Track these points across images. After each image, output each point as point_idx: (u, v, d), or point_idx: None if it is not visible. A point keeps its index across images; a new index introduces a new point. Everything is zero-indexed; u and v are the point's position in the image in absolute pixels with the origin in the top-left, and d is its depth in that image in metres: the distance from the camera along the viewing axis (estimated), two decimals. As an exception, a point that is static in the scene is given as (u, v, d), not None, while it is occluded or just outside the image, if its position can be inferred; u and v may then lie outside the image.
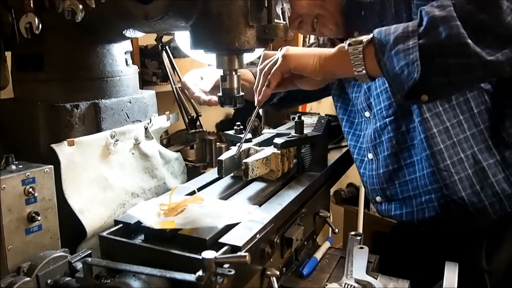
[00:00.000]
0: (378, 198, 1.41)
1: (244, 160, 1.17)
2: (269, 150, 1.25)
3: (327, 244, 1.27)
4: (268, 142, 1.41)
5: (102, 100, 1.19)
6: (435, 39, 0.96)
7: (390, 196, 1.36)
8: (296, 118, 1.29)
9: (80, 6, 1.06)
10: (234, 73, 1.12)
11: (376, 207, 1.44)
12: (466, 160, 1.20)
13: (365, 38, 1.05)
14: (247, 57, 1.22)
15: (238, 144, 1.25)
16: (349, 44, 1.06)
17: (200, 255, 0.76)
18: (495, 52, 0.94)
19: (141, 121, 1.30)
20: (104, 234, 0.94)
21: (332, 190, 3.09)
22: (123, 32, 1.19)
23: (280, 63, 1.14)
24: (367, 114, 1.37)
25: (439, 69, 0.97)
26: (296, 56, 1.14)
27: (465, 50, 0.94)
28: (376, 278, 1.10)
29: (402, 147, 1.29)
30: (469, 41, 0.93)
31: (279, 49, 1.17)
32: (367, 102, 1.36)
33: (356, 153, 1.43)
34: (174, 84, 1.98)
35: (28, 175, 0.98)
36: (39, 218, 0.99)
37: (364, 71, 1.05)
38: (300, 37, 3.29)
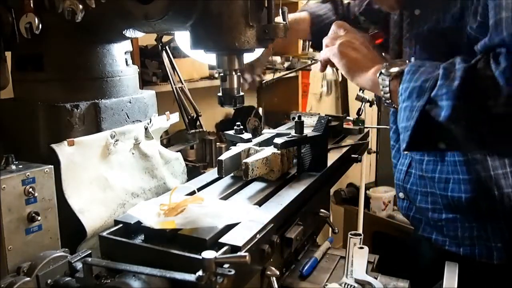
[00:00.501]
0: (401, 194, 1.44)
1: (244, 160, 1.17)
2: (269, 150, 1.25)
3: (327, 244, 1.27)
4: (268, 142, 1.41)
5: (102, 100, 1.19)
6: (436, 114, 0.94)
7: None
8: (296, 118, 1.29)
9: (80, 6, 1.06)
10: (234, 73, 1.11)
11: (398, 202, 1.50)
12: None
13: (395, 69, 1.05)
14: (247, 57, 1.22)
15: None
16: (380, 73, 1.07)
17: (200, 255, 0.76)
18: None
19: (141, 121, 1.30)
20: (104, 234, 0.94)
21: (332, 190, 3.10)
22: (123, 32, 1.19)
23: (331, 54, 1.20)
24: None
25: (431, 142, 1.00)
26: (347, 57, 1.17)
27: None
28: (376, 278, 1.10)
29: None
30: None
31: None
32: None
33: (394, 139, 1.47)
34: (174, 84, 1.99)
35: (28, 175, 0.98)
36: (39, 218, 0.99)
37: (391, 103, 1.08)
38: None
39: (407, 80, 1.01)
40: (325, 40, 1.26)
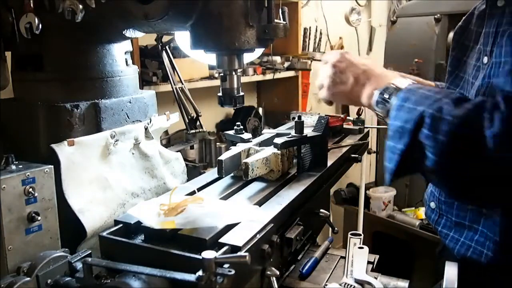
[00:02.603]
0: (432, 204, 1.28)
1: (244, 160, 1.17)
2: (269, 150, 1.25)
3: (327, 244, 1.27)
4: (268, 142, 1.41)
5: (102, 100, 1.19)
6: (420, 160, 0.91)
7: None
8: (296, 118, 1.29)
9: (80, 6, 1.06)
10: (234, 73, 1.11)
11: (426, 211, 1.33)
12: None
13: (392, 101, 1.01)
14: (247, 57, 1.22)
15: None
16: (377, 102, 1.05)
17: (200, 255, 0.76)
18: None
19: (141, 121, 1.30)
20: (104, 234, 0.94)
21: (332, 190, 3.10)
22: (123, 32, 1.19)
23: (328, 96, 1.20)
24: None
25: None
26: (340, 95, 1.18)
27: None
28: (376, 278, 1.10)
29: None
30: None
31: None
32: None
33: None
34: (174, 84, 1.99)
35: (28, 175, 0.98)
36: (39, 218, 0.99)
37: None
38: (300, 39, 3.29)
39: (392, 116, 0.98)
40: (317, 83, 1.25)
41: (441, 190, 1.10)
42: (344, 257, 1.18)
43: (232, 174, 1.28)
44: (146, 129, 1.30)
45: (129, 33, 1.20)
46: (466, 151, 0.85)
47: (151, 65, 2.25)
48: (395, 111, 0.97)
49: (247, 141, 1.38)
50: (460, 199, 1.07)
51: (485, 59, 1.10)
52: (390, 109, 0.99)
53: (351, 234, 1.21)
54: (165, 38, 1.92)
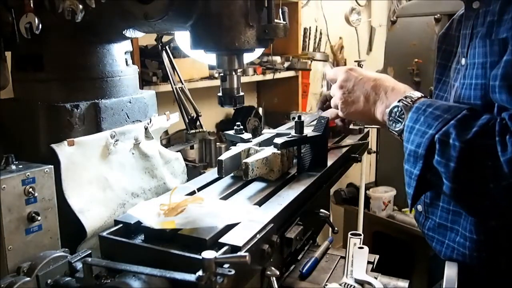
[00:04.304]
0: (419, 207, 1.28)
1: (244, 160, 1.17)
2: (269, 150, 1.25)
3: (327, 244, 1.27)
4: (268, 142, 1.40)
5: (102, 100, 1.19)
6: (437, 185, 0.92)
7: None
8: (296, 118, 1.29)
9: (80, 6, 1.06)
10: (234, 73, 1.11)
11: (415, 214, 1.33)
12: None
13: (398, 127, 1.01)
14: (247, 57, 1.22)
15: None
16: (390, 121, 1.04)
17: (200, 255, 0.76)
18: None
19: (141, 121, 1.30)
20: (104, 234, 0.94)
21: (332, 190, 3.10)
22: (123, 32, 1.19)
23: (343, 115, 1.21)
24: None
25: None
26: (353, 114, 1.19)
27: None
28: (376, 278, 1.10)
29: None
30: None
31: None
32: None
33: None
34: (174, 84, 1.99)
35: (28, 175, 0.98)
36: (39, 218, 0.99)
37: None
38: (300, 39, 3.29)
39: (405, 139, 0.98)
40: (332, 104, 1.26)
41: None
42: (344, 257, 1.17)
43: (232, 174, 1.28)
44: (146, 129, 1.30)
45: (129, 33, 1.20)
46: (481, 177, 0.85)
47: (151, 65, 2.26)
48: (407, 133, 0.97)
49: (247, 141, 1.38)
50: (482, 219, 1.04)
51: (463, 61, 1.10)
52: (403, 130, 0.99)
53: (351, 234, 1.21)
54: (165, 38, 1.92)
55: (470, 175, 0.86)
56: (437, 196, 1.18)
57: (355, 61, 3.10)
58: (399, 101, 1.02)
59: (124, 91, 1.27)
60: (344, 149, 1.52)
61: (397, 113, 1.02)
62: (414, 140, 0.94)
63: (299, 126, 1.27)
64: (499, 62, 0.93)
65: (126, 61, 1.30)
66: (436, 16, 2.88)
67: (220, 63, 1.11)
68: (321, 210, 1.29)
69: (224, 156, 1.21)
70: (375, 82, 1.12)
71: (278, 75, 3.02)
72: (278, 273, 0.97)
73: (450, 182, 0.88)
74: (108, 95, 1.22)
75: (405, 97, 1.02)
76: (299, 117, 1.29)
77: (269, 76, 2.94)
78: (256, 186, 1.21)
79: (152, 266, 0.80)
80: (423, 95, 1.03)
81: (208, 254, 0.75)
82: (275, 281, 0.95)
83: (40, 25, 1.09)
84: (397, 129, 1.03)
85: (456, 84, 1.12)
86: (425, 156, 0.91)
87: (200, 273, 0.74)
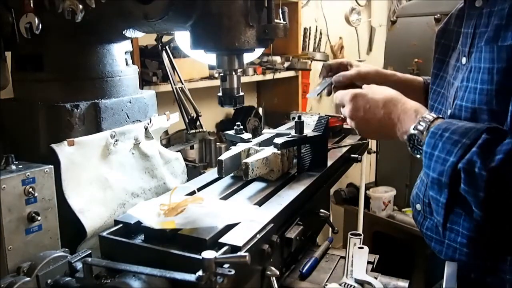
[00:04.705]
0: (417, 206, 1.25)
1: (244, 160, 1.17)
2: (269, 150, 1.25)
3: (327, 244, 1.27)
4: (268, 142, 1.40)
5: (102, 100, 1.19)
6: (468, 212, 0.91)
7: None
8: (296, 118, 1.29)
9: (80, 6, 1.06)
10: (234, 73, 1.11)
11: (413, 214, 1.31)
12: None
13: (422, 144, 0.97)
14: (247, 57, 1.22)
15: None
16: (410, 147, 1.01)
17: (200, 255, 0.76)
18: None
19: (141, 121, 1.30)
20: (104, 234, 0.94)
21: (332, 190, 3.09)
22: (123, 32, 1.19)
23: (355, 129, 1.17)
24: None
25: None
26: (368, 133, 1.19)
27: None
28: (376, 278, 1.10)
29: None
30: None
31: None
32: None
33: None
34: (174, 84, 1.99)
35: (28, 175, 0.98)
36: (39, 218, 0.99)
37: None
38: (300, 39, 3.29)
39: (425, 165, 0.95)
40: (344, 113, 1.20)
41: None
42: (344, 257, 1.17)
43: (232, 174, 1.28)
44: (146, 129, 1.30)
45: (129, 33, 1.20)
46: (509, 205, 0.84)
47: (151, 65, 2.25)
48: (427, 159, 0.95)
49: (247, 141, 1.38)
50: None
51: (463, 60, 1.09)
52: (422, 156, 0.96)
53: (351, 234, 1.21)
54: (165, 38, 1.92)
55: (501, 203, 0.85)
56: None
57: (355, 61, 3.09)
58: (414, 128, 0.99)
59: (124, 91, 1.27)
60: (344, 149, 1.52)
61: (415, 141, 1.00)
62: (435, 168, 0.92)
63: (299, 126, 1.27)
64: (506, 68, 0.92)
65: (126, 61, 1.30)
66: (436, 16, 2.87)
67: (220, 63, 1.11)
68: (321, 210, 1.29)
69: (224, 156, 1.21)
70: (384, 110, 1.09)
71: (278, 75, 3.02)
72: (278, 273, 0.97)
73: (480, 211, 0.87)
74: (108, 95, 1.22)
75: (419, 122, 0.99)
76: (299, 117, 1.29)
77: (269, 76, 2.94)
78: (256, 186, 1.21)
79: (152, 266, 0.80)
80: (436, 116, 0.99)
81: (208, 254, 0.75)
82: (275, 281, 0.96)
83: (40, 25, 1.09)
84: (418, 156, 1.00)
85: (456, 83, 1.11)
86: (450, 185, 0.89)
87: (200, 273, 0.75)
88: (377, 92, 1.12)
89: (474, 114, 1.01)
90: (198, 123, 2.00)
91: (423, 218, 1.23)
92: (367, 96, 1.12)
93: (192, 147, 2.43)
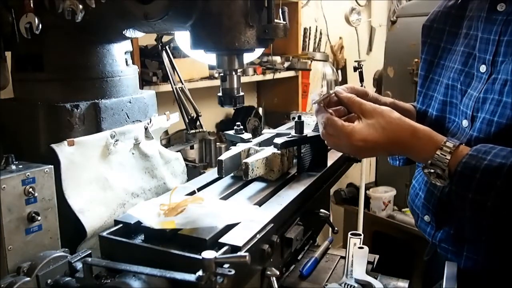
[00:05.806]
0: (426, 218, 1.20)
1: (244, 160, 1.17)
2: (269, 150, 1.25)
3: (327, 244, 1.27)
4: (268, 142, 1.40)
5: (102, 100, 1.19)
6: None
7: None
8: (296, 118, 1.29)
9: (80, 6, 1.06)
10: (234, 73, 1.11)
11: (420, 224, 1.25)
12: None
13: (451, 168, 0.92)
14: (247, 57, 1.22)
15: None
16: (430, 167, 0.95)
17: (200, 255, 0.76)
18: None
19: (141, 121, 1.30)
20: (104, 234, 0.94)
21: (332, 190, 3.10)
22: (123, 32, 1.19)
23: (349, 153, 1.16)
24: None
25: None
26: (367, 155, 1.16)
27: None
28: (376, 278, 1.10)
29: None
30: None
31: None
32: None
33: None
34: (174, 84, 1.99)
35: (28, 175, 0.98)
36: (39, 218, 0.99)
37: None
38: (300, 39, 3.29)
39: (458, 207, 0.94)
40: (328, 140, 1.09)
41: None
42: (344, 257, 1.17)
43: (232, 174, 1.28)
44: (146, 129, 1.30)
45: (129, 33, 1.20)
46: None
47: (151, 65, 2.25)
48: (459, 201, 0.93)
49: (247, 141, 1.38)
50: None
51: (483, 68, 1.04)
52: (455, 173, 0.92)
53: (351, 234, 1.21)
54: (165, 38, 1.92)
55: None
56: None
57: (355, 61, 3.10)
58: (431, 165, 0.94)
59: (124, 91, 1.26)
60: (344, 149, 1.52)
61: (435, 175, 0.96)
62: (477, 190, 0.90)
63: (299, 126, 1.27)
64: None
65: (126, 61, 1.30)
66: (436, 16, 2.87)
67: (220, 63, 1.11)
68: (321, 210, 1.29)
69: (224, 156, 1.21)
70: (387, 151, 1.07)
71: (278, 75, 3.02)
72: (278, 273, 0.97)
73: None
74: (108, 95, 1.22)
75: (436, 159, 0.94)
76: (299, 117, 1.29)
77: (269, 76, 2.94)
78: (256, 186, 1.21)
79: (152, 266, 0.80)
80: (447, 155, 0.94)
81: (208, 254, 0.75)
82: (275, 281, 0.96)
83: (40, 25, 1.08)
84: (440, 184, 0.96)
85: (475, 93, 1.05)
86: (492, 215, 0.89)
87: (200, 273, 0.75)
88: (369, 128, 1.00)
89: (509, 130, 0.96)
90: (198, 123, 2.00)
91: (435, 230, 1.17)
92: (361, 136, 1.00)
93: (192, 147, 2.43)
